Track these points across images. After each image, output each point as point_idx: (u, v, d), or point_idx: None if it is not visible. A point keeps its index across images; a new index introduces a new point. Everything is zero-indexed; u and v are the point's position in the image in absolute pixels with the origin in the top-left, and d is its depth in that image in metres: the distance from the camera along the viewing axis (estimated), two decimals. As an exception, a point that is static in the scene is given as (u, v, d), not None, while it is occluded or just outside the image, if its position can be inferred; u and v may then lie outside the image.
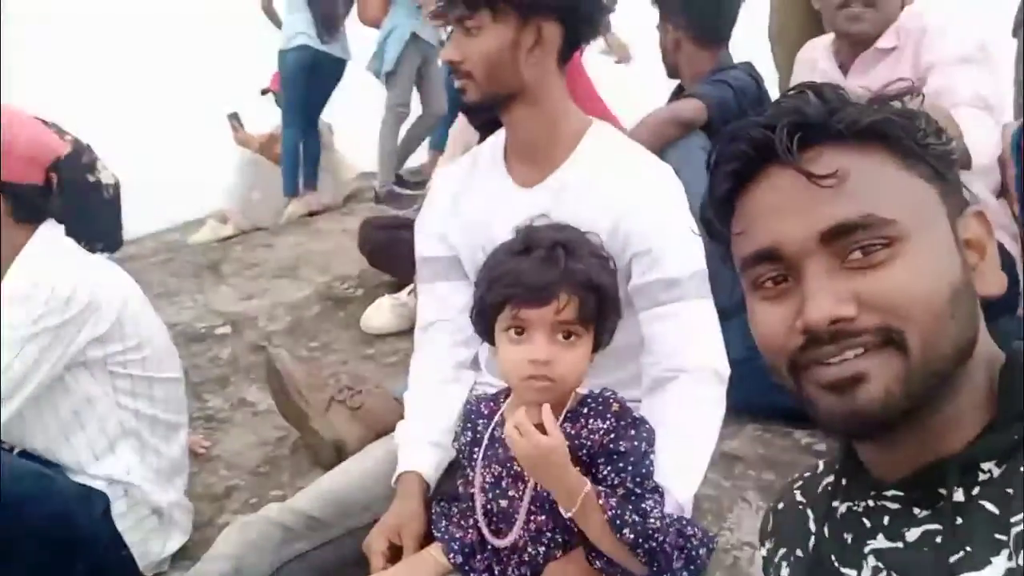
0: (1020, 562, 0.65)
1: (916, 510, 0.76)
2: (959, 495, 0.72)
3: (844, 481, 0.86)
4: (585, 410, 1.33)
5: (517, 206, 1.57)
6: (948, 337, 0.72)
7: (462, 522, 1.43)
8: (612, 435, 1.30)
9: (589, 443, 1.30)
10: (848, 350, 0.72)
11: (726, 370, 1.52)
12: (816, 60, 2.35)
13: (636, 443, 1.30)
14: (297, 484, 2.15)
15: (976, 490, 0.71)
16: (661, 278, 1.50)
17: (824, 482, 0.91)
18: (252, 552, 1.52)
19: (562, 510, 1.24)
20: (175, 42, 8.59)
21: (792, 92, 0.80)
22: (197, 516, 2.07)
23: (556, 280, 1.28)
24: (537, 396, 1.28)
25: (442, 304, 1.75)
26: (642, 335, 1.54)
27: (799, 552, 0.89)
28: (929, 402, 0.73)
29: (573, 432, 1.30)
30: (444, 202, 1.74)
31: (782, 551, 0.94)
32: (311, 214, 4.91)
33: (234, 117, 5.20)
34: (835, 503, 0.86)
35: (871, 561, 0.78)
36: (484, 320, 1.36)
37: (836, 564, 0.82)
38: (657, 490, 1.29)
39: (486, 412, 1.43)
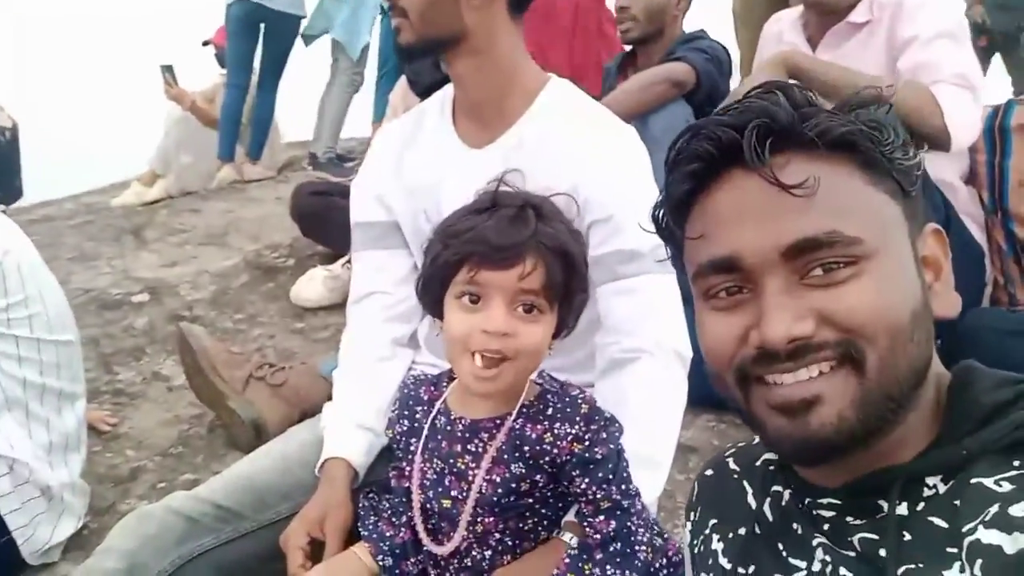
0: (977, 572, 0.62)
1: (850, 519, 0.73)
2: (903, 509, 0.69)
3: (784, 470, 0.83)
4: (548, 410, 1.15)
5: (465, 168, 1.43)
6: (906, 359, 0.69)
7: (394, 519, 1.25)
8: (586, 442, 1.13)
9: (556, 450, 1.13)
10: (804, 368, 0.69)
11: (688, 351, 1.37)
12: (782, 33, 2.22)
13: (612, 446, 1.14)
14: (212, 468, 1.96)
15: (921, 505, 0.69)
16: (621, 249, 1.36)
17: (763, 457, 0.88)
18: (149, 547, 1.32)
19: None
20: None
21: (759, 91, 0.74)
22: (97, 500, 1.86)
23: (524, 240, 1.11)
24: (483, 384, 1.11)
25: (378, 274, 1.59)
26: (599, 312, 1.39)
27: (741, 530, 0.85)
28: (881, 427, 0.70)
29: (535, 436, 1.13)
30: (385, 162, 1.57)
31: (713, 522, 0.89)
32: (244, 182, 4.62)
33: (168, 70, 4.85)
34: (776, 487, 0.83)
35: (820, 555, 0.74)
36: (434, 286, 1.17)
37: (784, 553, 0.78)
38: (638, 493, 1.14)
39: (426, 398, 1.25)
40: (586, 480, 1.12)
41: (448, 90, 1.52)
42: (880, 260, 0.69)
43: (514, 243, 1.11)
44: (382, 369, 1.53)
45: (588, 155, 1.38)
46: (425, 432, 1.21)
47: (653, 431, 1.31)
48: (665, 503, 1.71)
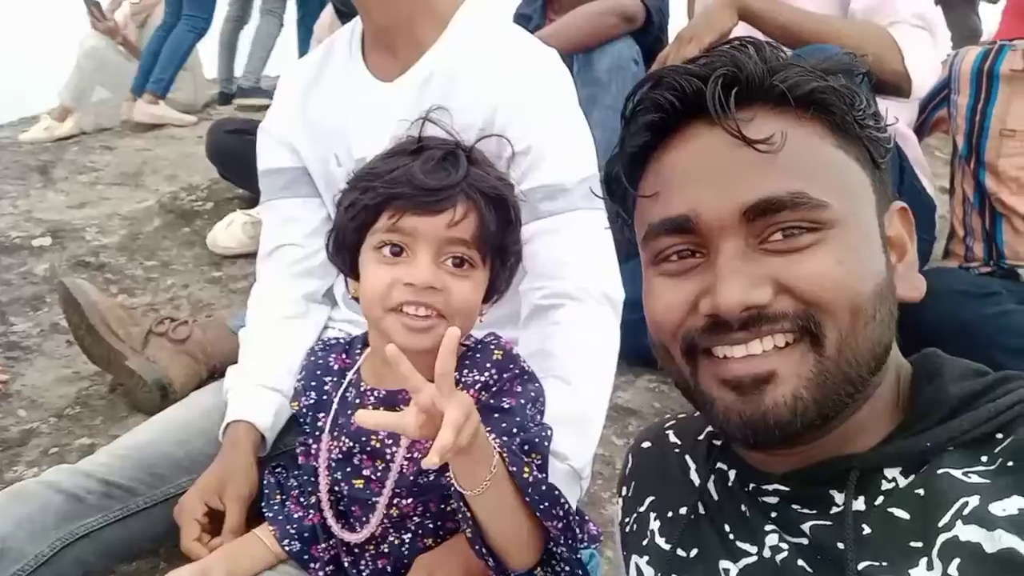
0: (952, 571, 0.57)
1: (797, 507, 0.68)
2: (859, 504, 0.65)
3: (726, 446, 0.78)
4: (464, 362, 1.03)
5: (376, 105, 1.31)
6: (867, 339, 0.64)
7: (302, 499, 1.12)
8: (493, 390, 1.01)
9: None
10: (757, 340, 0.64)
11: (620, 293, 1.26)
12: None
13: (522, 400, 1.02)
14: (111, 432, 1.78)
15: (880, 499, 0.64)
16: (542, 184, 1.24)
17: (706, 430, 0.82)
18: (23, 530, 1.16)
19: (461, 489, 0.88)
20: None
21: (730, 44, 0.68)
22: (-19, 468, 1.68)
23: (455, 183, 0.99)
24: (413, 338, 0.97)
25: (288, 225, 1.46)
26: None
27: (682, 509, 0.78)
28: (838, 411, 0.65)
29: None
30: (291, 103, 1.44)
31: (650, 499, 0.82)
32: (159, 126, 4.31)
33: (94, 4, 4.53)
34: (721, 465, 0.77)
35: (771, 541, 0.69)
36: (349, 237, 1.03)
37: (731, 536, 0.72)
38: (544, 467, 1.01)
39: (336, 367, 1.11)
40: (488, 429, 0.99)
41: (357, 23, 1.38)
42: (846, 229, 0.64)
43: (444, 185, 0.98)
44: (293, 327, 1.39)
45: (504, 83, 1.25)
46: (334, 406, 1.07)
47: (581, 387, 1.19)
48: (602, 469, 1.61)
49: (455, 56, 1.29)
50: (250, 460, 1.23)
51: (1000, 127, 1.91)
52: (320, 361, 1.14)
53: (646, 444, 0.88)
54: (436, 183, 0.98)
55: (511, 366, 1.04)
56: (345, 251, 1.04)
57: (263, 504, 1.14)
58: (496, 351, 1.04)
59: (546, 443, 1.00)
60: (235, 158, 2.59)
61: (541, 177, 1.24)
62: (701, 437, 0.83)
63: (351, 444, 1.05)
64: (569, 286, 1.23)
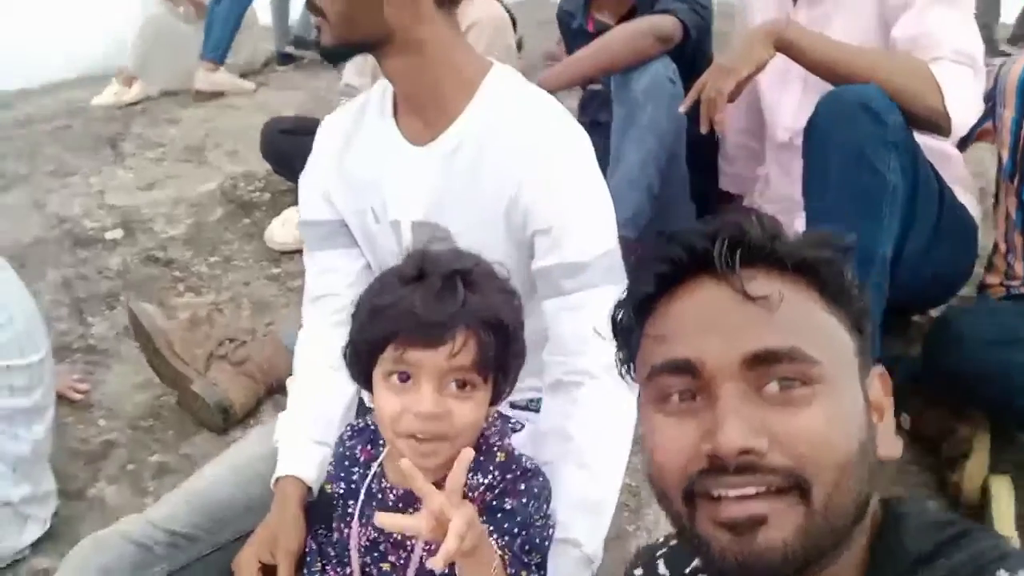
0: None
1: None
2: None
3: None
4: (472, 465, 1.12)
5: (408, 167, 1.35)
6: (851, 494, 0.69)
7: (339, 568, 1.25)
8: (496, 491, 1.11)
9: (472, 504, 1.10)
10: (751, 485, 0.68)
11: None
12: None
13: (524, 500, 1.11)
14: (181, 449, 1.95)
15: None
16: (563, 262, 1.29)
17: (692, 565, 0.86)
18: (102, 580, 1.32)
19: None
20: None
21: (732, 215, 0.76)
22: (68, 481, 1.87)
23: (452, 316, 1.05)
24: (422, 460, 1.07)
25: (330, 276, 1.53)
26: (546, 325, 1.33)
27: None
28: (820, 560, 0.69)
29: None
30: (328, 157, 1.48)
31: None
32: (218, 94, 4.41)
33: None
34: None
35: None
36: (360, 361, 1.12)
37: None
38: (543, 566, 1.11)
39: (362, 459, 1.22)
40: (491, 529, 1.08)
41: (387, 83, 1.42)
42: (834, 387, 0.69)
43: (442, 319, 1.05)
44: (335, 378, 1.48)
45: (528, 159, 1.29)
46: (362, 496, 1.18)
47: (598, 473, 1.27)
48: (628, 500, 1.70)
49: (483, 126, 1.32)
50: (298, 515, 1.35)
51: None
52: (348, 452, 1.25)
53: (638, 572, 0.94)
54: (435, 318, 1.04)
55: (513, 467, 1.13)
56: (359, 369, 1.13)
57: (305, 570, 1.27)
58: (499, 453, 1.13)
59: (547, 542, 1.09)
60: (287, 157, 2.69)
61: (562, 255, 1.29)
62: (688, 570, 0.88)
63: (376, 534, 1.16)
64: (589, 363, 1.29)
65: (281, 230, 2.69)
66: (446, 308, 1.05)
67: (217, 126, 3.90)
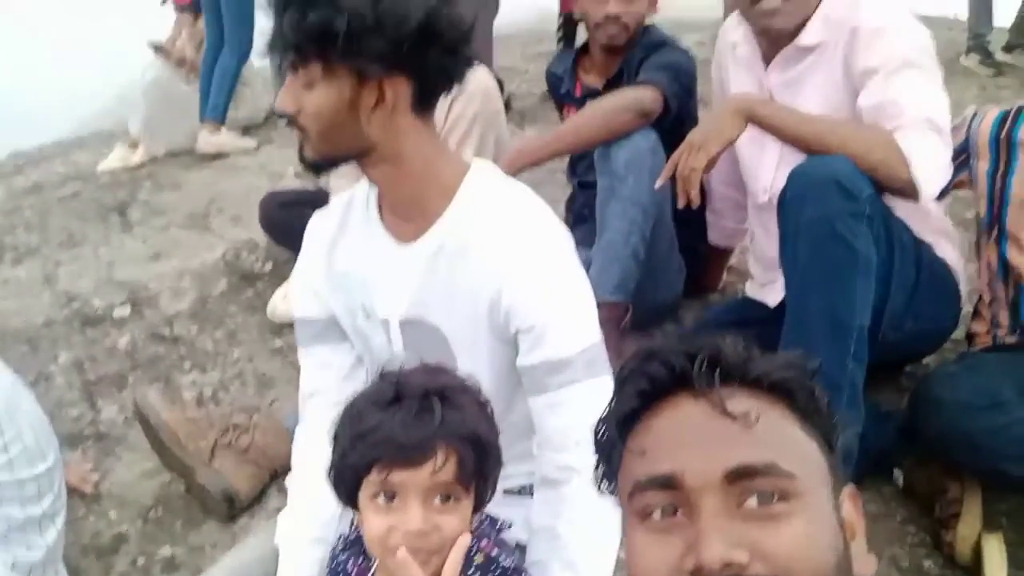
0: None
1: None
2: None
3: None
4: None
5: (394, 266, 1.40)
6: None
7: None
8: None
9: None
10: None
11: None
12: (737, 45, 2.07)
13: None
14: (189, 539, 2.00)
15: None
16: (547, 360, 1.32)
17: None
18: None
19: None
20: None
21: (711, 335, 0.79)
22: (81, 578, 1.93)
23: (431, 435, 1.09)
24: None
25: (323, 371, 1.57)
26: (533, 419, 1.38)
27: None
28: None
29: None
30: (317, 256, 1.52)
31: None
32: (222, 155, 4.49)
33: (159, 50, 4.72)
34: None
35: None
36: (345, 484, 1.17)
37: None
38: None
39: (353, 572, 1.26)
40: None
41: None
42: (811, 502, 0.72)
43: (422, 440, 1.09)
44: None
45: (508, 260, 1.33)
46: (352, 611, 1.23)
47: (583, 571, 1.30)
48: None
49: (463, 228, 1.35)
50: None
51: (1022, 197, 1.86)
52: (340, 567, 1.29)
53: None
54: (414, 439, 1.08)
55: (492, 567, 1.18)
56: (344, 492, 1.17)
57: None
58: (478, 555, 1.18)
59: None
60: (287, 230, 2.73)
61: (545, 353, 1.32)
62: None
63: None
64: (574, 459, 1.32)
65: (283, 303, 2.74)
66: (425, 429, 1.09)
67: (221, 190, 3.98)
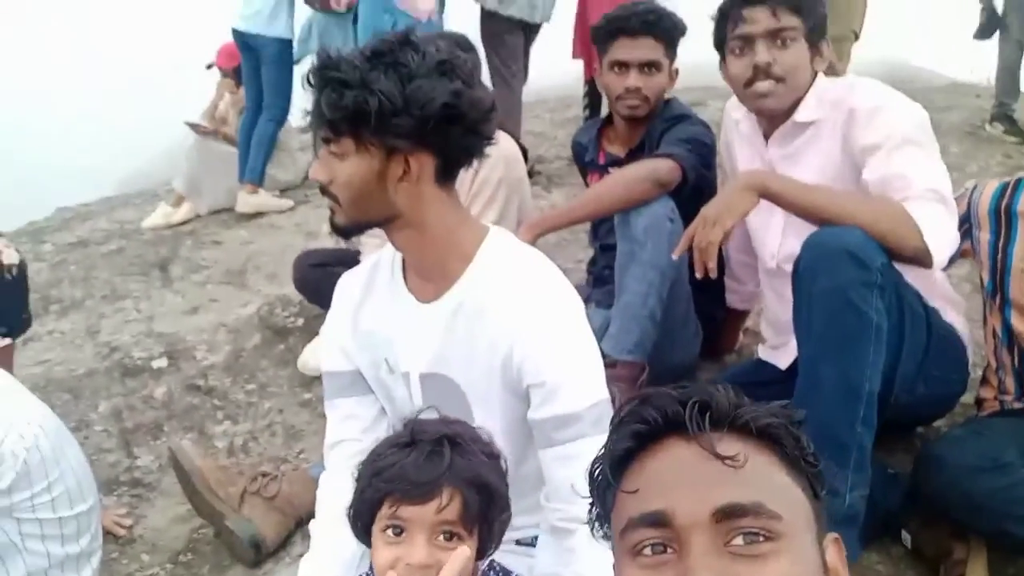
0: None
1: None
2: None
3: None
4: None
5: (416, 322, 1.50)
6: None
7: None
8: None
9: None
10: None
11: None
12: (739, 122, 2.18)
13: None
14: (216, 584, 2.08)
15: None
16: (556, 415, 1.41)
17: None
18: None
19: None
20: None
21: (703, 385, 0.85)
22: (114, 620, 2.00)
23: (439, 476, 1.19)
24: None
25: (348, 423, 1.66)
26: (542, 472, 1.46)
27: None
28: None
29: None
30: (345, 314, 1.63)
31: None
32: (260, 215, 4.68)
33: (195, 127, 4.98)
34: None
35: None
36: (362, 519, 1.26)
37: None
38: None
39: (367, 610, 1.34)
40: None
41: None
42: (795, 544, 0.75)
43: (430, 479, 1.19)
44: None
45: (521, 319, 1.42)
46: (365, 645, 1.30)
47: None
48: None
49: (480, 289, 1.45)
50: None
51: (1022, 266, 1.92)
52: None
53: None
54: (424, 478, 1.18)
55: None
56: (361, 526, 1.27)
57: None
58: None
59: None
60: (319, 289, 2.85)
61: (554, 408, 1.40)
62: None
63: None
64: (581, 511, 1.38)
65: (313, 357, 2.85)
66: (434, 469, 1.19)
67: (258, 248, 4.14)
